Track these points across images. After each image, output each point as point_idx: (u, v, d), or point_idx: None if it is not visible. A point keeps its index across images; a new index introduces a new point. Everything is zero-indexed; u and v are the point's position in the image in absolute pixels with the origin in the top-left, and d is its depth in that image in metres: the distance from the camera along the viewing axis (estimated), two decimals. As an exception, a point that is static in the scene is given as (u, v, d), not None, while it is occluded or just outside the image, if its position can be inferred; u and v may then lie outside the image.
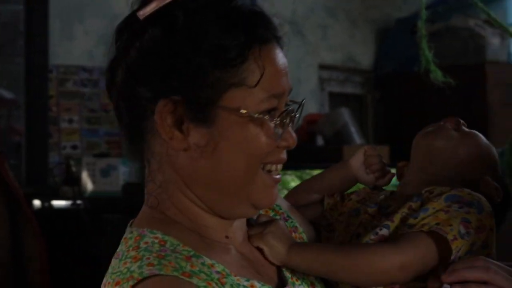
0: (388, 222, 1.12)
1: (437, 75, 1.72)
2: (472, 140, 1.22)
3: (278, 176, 1.05)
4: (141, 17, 0.99)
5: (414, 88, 2.85)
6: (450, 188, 1.11)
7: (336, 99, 4.42)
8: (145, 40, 0.99)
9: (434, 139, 1.22)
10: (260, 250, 1.07)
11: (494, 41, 3.28)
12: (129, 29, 1.02)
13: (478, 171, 1.20)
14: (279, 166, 1.04)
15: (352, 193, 1.27)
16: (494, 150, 1.23)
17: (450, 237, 1.03)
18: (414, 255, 1.04)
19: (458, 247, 1.04)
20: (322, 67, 4.26)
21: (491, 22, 2.93)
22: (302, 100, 1.04)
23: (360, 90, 4.52)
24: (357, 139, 3.45)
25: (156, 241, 1.00)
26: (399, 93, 3.66)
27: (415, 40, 2.55)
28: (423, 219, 1.07)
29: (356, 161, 1.25)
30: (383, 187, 1.27)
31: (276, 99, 1.00)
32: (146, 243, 1.00)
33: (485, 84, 3.44)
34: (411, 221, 1.08)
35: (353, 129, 3.49)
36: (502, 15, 3.47)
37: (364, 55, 4.47)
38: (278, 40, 1.02)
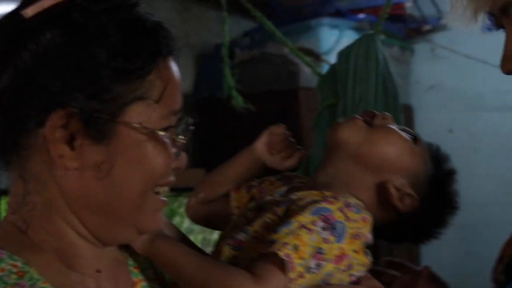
0: (248, 227, 1.08)
1: (238, 101, 1.47)
2: (382, 136, 1.13)
3: (165, 199, 1.00)
4: (27, 16, 0.90)
5: (229, 112, 2.76)
6: (322, 197, 1.06)
7: None
8: (42, 44, 0.89)
9: (338, 130, 1.14)
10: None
11: (306, 68, 3.31)
12: (11, 29, 0.91)
13: (383, 174, 1.12)
14: (167, 189, 1.00)
15: (257, 183, 1.21)
16: (413, 151, 1.14)
17: (293, 275, 0.99)
18: (268, 284, 0.99)
19: (301, 284, 1.01)
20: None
21: (304, 50, 3.18)
22: (191, 120, 1.00)
23: None
24: None
25: (14, 270, 0.89)
26: (216, 117, 3.65)
27: (233, 66, 2.67)
28: (286, 234, 1.01)
29: (261, 143, 1.19)
30: (296, 174, 1.22)
31: (174, 117, 0.97)
32: (3, 270, 0.89)
33: (298, 109, 3.46)
34: (271, 236, 1.02)
35: None
36: (315, 43, 3.65)
37: (184, 80, 3.58)
38: (175, 54, 0.99)
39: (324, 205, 1.05)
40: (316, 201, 1.06)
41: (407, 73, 4.59)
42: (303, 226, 1.02)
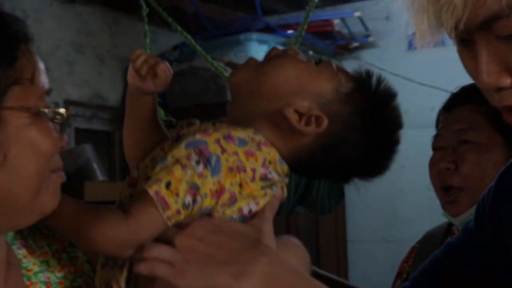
0: (140, 163, 1.09)
1: (160, 114, 1.41)
2: (272, 65, 1.09)
3: (63, 174, 1.02)
4: None
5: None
6: (200, 128, 1.05)
7: (83, 135, 4.17)
8: None
9: (231, 75, 1.12)
10: None
11: None
12: None
13: (281, 101, 1.06)
14: (62, 173, 1.03)
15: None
16: (311, 71, 1.08)
17: (169, 213, 0.97)
18: (139, 231, 0.98)
19: (179, 220, 0.99)
20: (68, 103, 4.02)
21: (233, 65, 3.29)
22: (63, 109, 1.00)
23: (108, 126, 4.33)
24: (100, 175, 3.35)
25: None
26: None
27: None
28: (161, 170, 0.99)
29: (130, 75, 1.13)
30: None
31: (47, 97, 0.99)
32: None
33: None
34: (150, 172, 1.02)
35: (95, 165, 3.37)
36: (244, 58, 3.38)
37: (112, 92, 4.27)
38: (32, 40, 1.01)
39: (199, 137, 1.02)
40: (192, 134, 1.03)
41: None
42: (177, 161, 0.99)
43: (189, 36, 2.10)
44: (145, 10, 1.90)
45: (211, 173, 0.99)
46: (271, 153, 1.05)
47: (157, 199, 0.97)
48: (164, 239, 1.00)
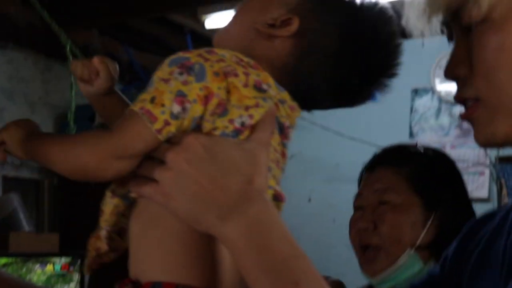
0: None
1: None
2: (238, 10, 1.09)
3: None
4: None
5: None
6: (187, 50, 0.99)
7: (11, 184, 4.07)
8: None
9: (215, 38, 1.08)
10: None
11: None
12: None
13: (250, 23, 1.04)
14: None
15: None
16: None
17: (157, 125, 0.92)
18: (125, 144, 0.93)
19: (171, 131, 0.93)
20: (-4, 150, 3.62)
21: None
22: None
23: (37, 175, 4.25)
24: (26, 226, 3.28)
25: None
26: (72, 181, 3.53)
27: (93, 127, 2.76)
28: (145, 92, 0.95)
29: (81, 88, 1.13)
30: None
31: None
32: None
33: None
34: (139, 96, 0.96)
35: (22, 215, 3.31)
36: None
37: None
38: None
39: (181, 54, 0.97)
40: (173, 55, 0.98)
41: None
42: (161, 80, 0.95)
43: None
44: (69, 61, 1.75)
45: (196, 79, 0.94)
46: (261, 75, 0.99)
47: (142, 113, 0.92)
48: (157, 157, 0.94)
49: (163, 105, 0.92)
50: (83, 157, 0.93)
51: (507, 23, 0.90)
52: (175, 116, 0.93)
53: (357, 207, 1.76)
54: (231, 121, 0.95)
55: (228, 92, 0.95)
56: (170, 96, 0.93)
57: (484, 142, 0.97)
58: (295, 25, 1.00)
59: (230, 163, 0.92)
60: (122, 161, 0.93)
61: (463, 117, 0.97)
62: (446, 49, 0.97)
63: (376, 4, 1.04)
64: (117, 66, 1.13)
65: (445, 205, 1.63)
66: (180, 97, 0.93)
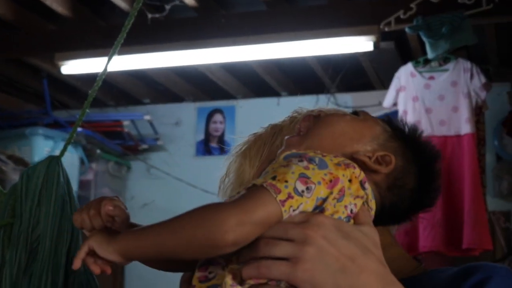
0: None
1: None
2: (320, 133, 1.09)
3: None
4: None
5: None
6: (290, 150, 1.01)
7: None
8: None
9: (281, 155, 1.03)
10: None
11: (15, 176, 3.29)
12: None
13: (346, 151, 1.06)
14: None
15: None
16: (357, 120, 1.10)
17: (281, 197, 0.91)
18: (250, 207, 0.90)
19: (293, 206, 0.92)
20: None
21: (16, 158, 3.32)
22: None
23: None
24: None
25: None
26: None
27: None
28: (262, 175, 0.95)
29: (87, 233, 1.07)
30: None
31: None
32: None
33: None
34: (253, 181, 0.95)
35: None
36: (28, 152, 3.80)
37: None
38: None
39: (294, 151, 1.01)
40: (285, 152, 1.01)
41: (122, 189, 4.65)
42: (278, 167, 0.96)
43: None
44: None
45: (318, 167, 0.96)
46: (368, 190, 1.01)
47: (265, 184, 0.91)
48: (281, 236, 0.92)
49: (286, 181, 0.92)
50: (203, 228, 0.89)
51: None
52: (298, 193, 0.93)
53: None
54: (345, 206, 0.97)
55: (350, 181, 0.98)
56: (293, 176, 0.93)
57: None
58: (392, 162, 1.05)
59: (362, 244, 0.94)
60: (243, 227, 0.89)
61: None
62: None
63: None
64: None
65: None
66: (304, 178, 0.94)
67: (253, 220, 0.90)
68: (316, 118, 1.12)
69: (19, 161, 3.46)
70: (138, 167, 4.75)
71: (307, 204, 0.93)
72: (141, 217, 4.41)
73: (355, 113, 1.13)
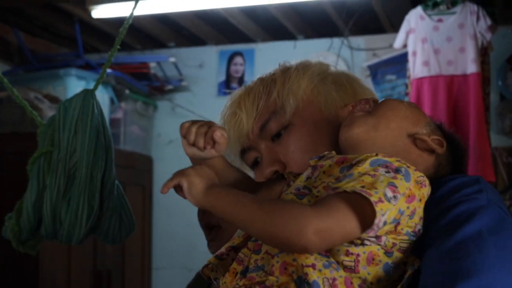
0: (313, 191, 1.03)
1: None
2: (386, 114, 1.14)
3: None
4: None
5: None
6: (376, 154, 1.04)
7: None
8: None
9: (350, 130, 1.13)
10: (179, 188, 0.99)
11: (50, 112, 3.32)
12: None
13: (407, 132, 1.13)
14: None
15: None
16: (413, 105, 1.18)
17: (374, 198, 0.92)
18: (333, 220, 0.91)
19: (383, 210, 0.93)
20: None
21: (51, 97, 3.41)
22: None
23: None
24: None
25: None
26: None
27: None
28: (347, 183, 0.95)
29: (186, 148, 1.13)
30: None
31: None
32: None
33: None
34: (335, 184, 0.97)
35: None
36: (62, 92, 3.88)
37: None
38: None
39: (381, 157, 1.01)
40: (371, 156, 1.02)
41: (149, 127, 4.72)
42: (365, 174, 0.96)
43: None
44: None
45: (405, 178, 0.97)
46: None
47: (355, 189, 0.93)
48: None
49: (376, 188, 0.93)
50: (287, 228, 0.89)
51: (305, 122, 1.28)
52: (388, 198, 0.93)
53: None
54: (415, 225, 1.01)
55: (420, 200, 1.01)
56: (382, 184, 0.94)
57: None
58: (445, 147, 1.14)
59: None
60: (325, 239, 0.91)
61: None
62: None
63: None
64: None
65: None
66: (392, 186, 0.95)
67: (338, 232, 0.91)
68: (375, 102, 1.18)
69: (54, 100, 3.54)
70: (164, 106, 4.83)
71: (392, 212, 0.95)
72: (168, 153, 4.52)
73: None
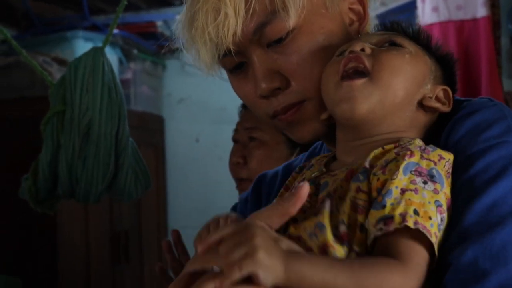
0: (342, 216, 0.89)
1: None
2: (391, 83, 0.97)
3: None
4: None
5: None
6: (396, 155, 0.91)
7: None
8: None
9: (353, 109, 0.96)
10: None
11: (59, 75, 2.87)
12: None
13: (412, 98, 0.99)
14: None
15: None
16: (414, 58, 1.00)
17: (433, 239, 0.84)
18: (416, 281, 0.83)
19: (436, 241, 0.85)
20: None
21: (59, 60, 3.39)
22: None
23: None
24: None
25: None
26: None
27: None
28: (393, 208, 0.84)
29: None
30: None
31: None
32: None
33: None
34: (378, 214, 0.85)
35: None
36: (70, 54, 3.62)
37: None
38: None
39: (408, 160, 0.89)
40: (396, 160, 0.90)
41: (159, 86, 4.64)
42: (405, 190, 0.86)
43: (6, 31, 2.11)
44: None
45: (441, 186, 0.89)
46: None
47: (421, 228, 0.83)
48: None
49: (430, 218, 0.85)
50: None
51: (311, 26, 1.03)
52: (440, 229, 0.87)
53: (234, 140, 1.99)
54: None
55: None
56: (432, 208, 0.86)
57: (311, 137, 1.04)
58: (450, 95, 1.01)
59: None
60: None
61: (286, 120, 1.03)
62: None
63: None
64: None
65: None
66: (439, 207, 0.87)
67: (421, 277, 0.83)
68: (373, 57, 0.99)
69: (62, 62, 3.50)
70: (173, 65, 4.71)
71: (439, 237, 0.87)
72: (179, 111, 4.42)
73: (396, 44, 1.01)
